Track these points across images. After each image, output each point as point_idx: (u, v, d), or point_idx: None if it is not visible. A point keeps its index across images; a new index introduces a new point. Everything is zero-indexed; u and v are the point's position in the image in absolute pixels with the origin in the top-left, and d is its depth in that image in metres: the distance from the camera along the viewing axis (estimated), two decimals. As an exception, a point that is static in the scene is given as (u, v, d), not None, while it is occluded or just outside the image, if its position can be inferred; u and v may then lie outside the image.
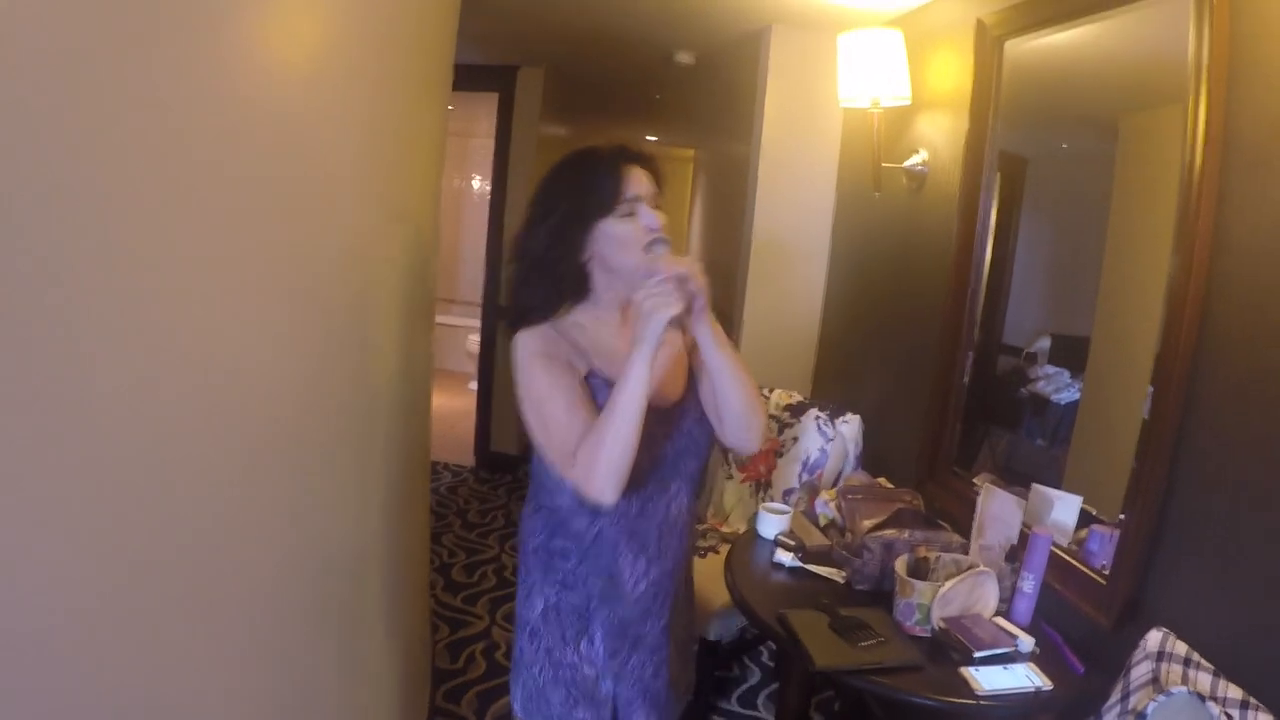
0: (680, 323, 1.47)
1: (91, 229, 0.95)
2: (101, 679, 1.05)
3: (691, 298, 1.44)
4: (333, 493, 1.68)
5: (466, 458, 5.43)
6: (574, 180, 1.57)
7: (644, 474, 1.57)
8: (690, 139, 7.53)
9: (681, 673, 1.83)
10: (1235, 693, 1.35)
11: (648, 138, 8.13)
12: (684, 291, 1.42)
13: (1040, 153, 2.50)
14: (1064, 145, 2.38)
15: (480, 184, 8.04)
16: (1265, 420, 1.48)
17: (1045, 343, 2.43)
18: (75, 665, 1.01)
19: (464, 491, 4.94)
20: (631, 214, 1.53)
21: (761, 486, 3.02)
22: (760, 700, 2.96)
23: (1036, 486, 2.14)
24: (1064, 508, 2.08)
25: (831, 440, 2.86)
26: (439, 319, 7.52)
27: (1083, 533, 2.00)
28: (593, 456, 1.43)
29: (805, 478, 2.85)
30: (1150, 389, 1.74)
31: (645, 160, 1.59)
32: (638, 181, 1.55)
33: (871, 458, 2.90)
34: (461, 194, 8.34)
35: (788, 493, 2.84)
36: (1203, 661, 1.43)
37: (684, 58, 4.19)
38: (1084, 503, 2.05)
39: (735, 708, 2.93)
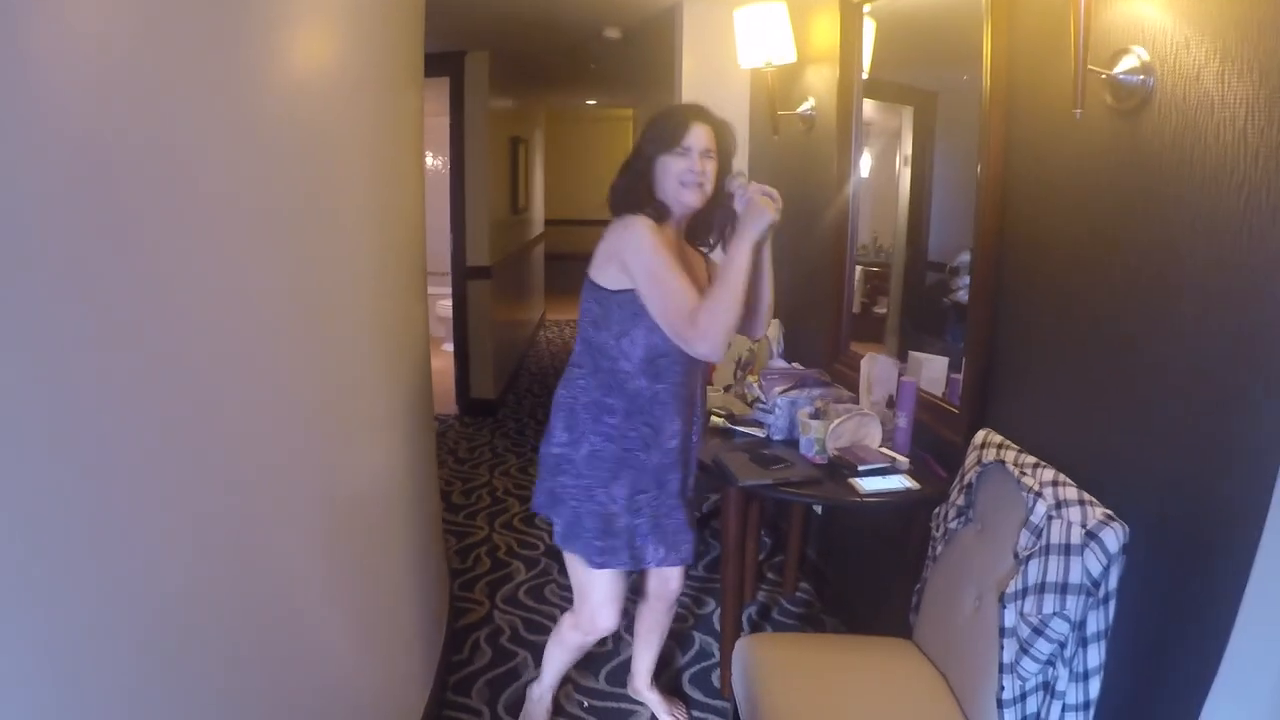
0: (768, 231, 2.02)
1: (165, 221, 1.06)
2: (239, 569, 1.33)
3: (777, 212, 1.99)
4: (370, 435, 2.06)
5: (450, 408, 6.00)
6: (657, 125, 2.11)
7: (679, 351, 2.04)
8: (628, 100, 8.04)
9: (690, 522, 2.24)
10: (1030, 459, 1.95)
11: (587, 102, 8.63)
12: (776, 206, 1.99)
13: (946, 86, 2.79)
14: (964, 77, 2.50)
15: (433, 160, 8.46)
16: (1047, 279, 2.06)
17: (965, 257, 2.61)
18: (225, 560, 1.25)
19: (451, 435, 5.52)
20: (685, 155, 2.05)
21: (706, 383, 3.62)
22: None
23: (913, 353, 2.77)
24: (934, 367, 2.70)
25: (758, 340, 3.47)
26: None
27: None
28: (712, 320, 1.90)
29: (739, 374, 3.47)
30: (967, 256, 2.34)
31: (709, 120, 2.10)
32: (697, 135, 2.05)
33: (791, 351, 3.52)
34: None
35: (727, 387, 3.46)
36: (1008, 443, 2.04)
37: (612, 33, 4.71)
38: (950, 366, 2.66)
39: (701, 573, 3.56)
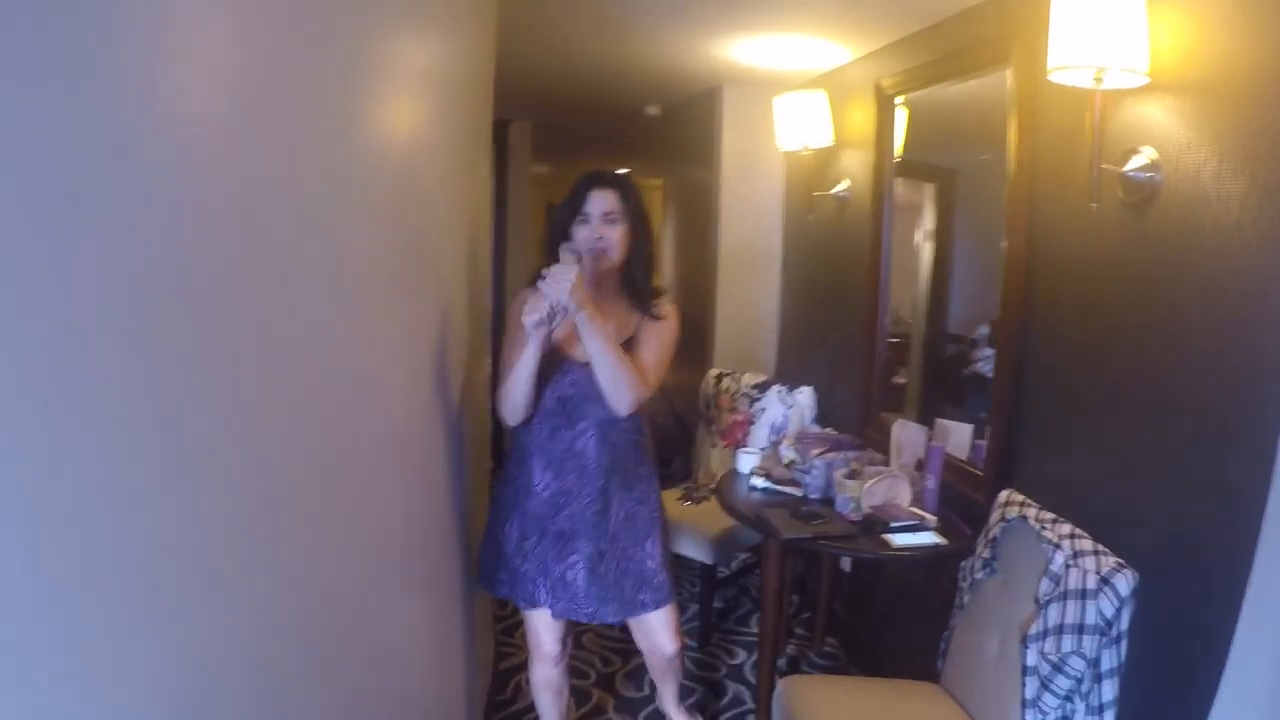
0: (558, 314, 2.00)
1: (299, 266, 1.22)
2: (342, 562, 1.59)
3: (551, 311, 1.98)
4: (443, 470, 2.22)
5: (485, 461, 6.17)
6: (568, 196, 2.20)
7: (551, 408, 2.19)
8: (658, 170, 8.32)
9: (619, 586, 2.24)
10: (1049, 515, 2.12)
11: (620, 170, 8.93)
12: (561, 288, 1.95)
13: (966, 164, 2.98)
14: (984, 157, 2.69)
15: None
16: (1065, 352, 2.26)
17: (984, 329, 2.80)
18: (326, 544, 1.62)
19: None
20: (585, 222, 2.16)
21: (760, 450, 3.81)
22: (754, 621, 3.74)
23: (939, 420, 2.95)
24: (959, 433, 2.89)
25: (791, 407, 3.67)
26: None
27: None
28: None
29: (773, 438, 3.65)
30: (987, 329, 2.53)
31: (609, 183, 2.17)
32: (595, 201, 2.15)
33: (824, 417, 3.71)
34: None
35: (763, 449, 3.64)
36: (1029, 501, 2.20)
37: (652, 110, 5.00)
38: (974, 432, 2.84)
39: (734, 627, 3.71)
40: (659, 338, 2.25)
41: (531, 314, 1.99)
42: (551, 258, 2.10)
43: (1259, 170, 1.65)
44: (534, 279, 2.10)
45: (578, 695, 2.87)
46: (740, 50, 3.55)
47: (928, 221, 3.26)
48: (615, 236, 2.17)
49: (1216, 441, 1.74)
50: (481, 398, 2.82)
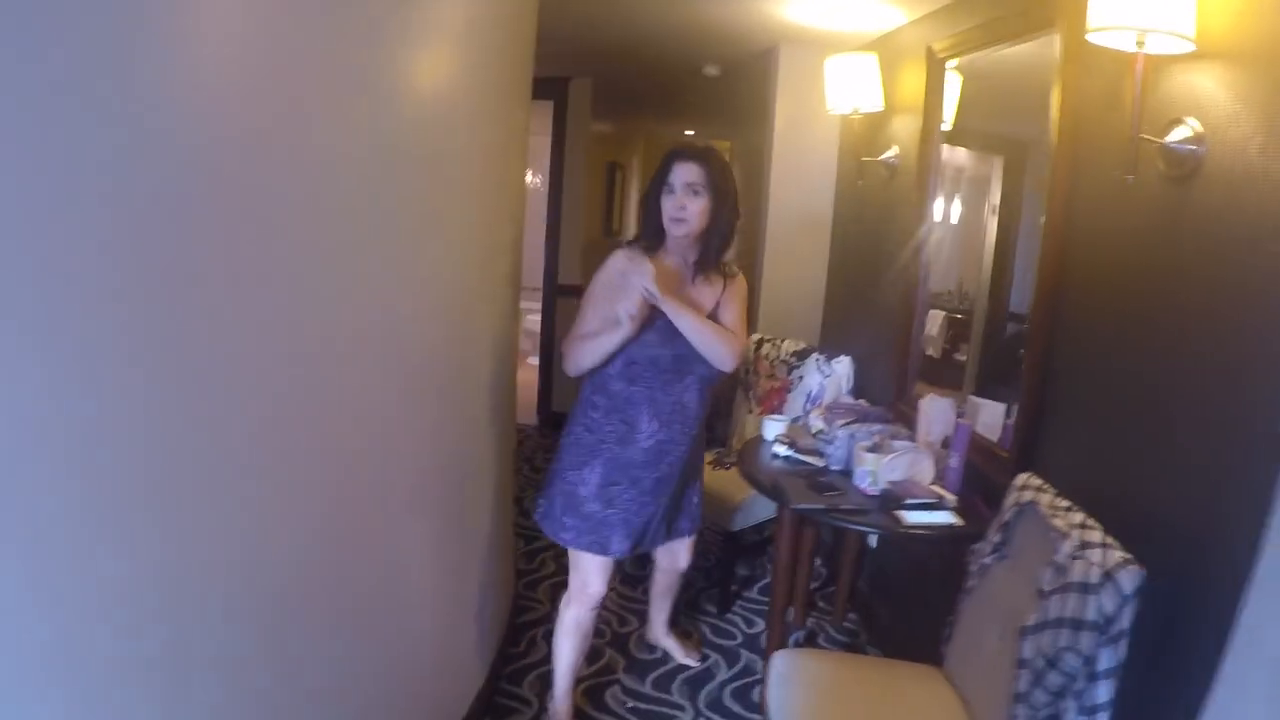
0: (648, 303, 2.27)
1: (304, 217, 1.34)
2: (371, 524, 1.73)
3: (643, 299, 2.25)
4: (466, 420, 2.39)
5: (530, 418, 6.23)
6: (658, 167, 2.41)
7: (666, 364, 2.38)
8: (726, 132, 8.21)
9: (678, 520, 2.61)
10: (1064, 502, 2.04)
11: (686, 132, 8.84)
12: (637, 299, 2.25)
13: (1034, 139, 2.71)
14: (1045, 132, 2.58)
15: (532, 178, 8.72)
16: (1098, 331, 2.15)
17: None
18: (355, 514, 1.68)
19: (529, 444, 5.74)
20: (670, 192, 2.35)
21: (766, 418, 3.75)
22: (776, 587, 3.70)
23: (972, 397, 2.86)
24: (991, 412, 2.79)
25: (829, 376, 3.59)
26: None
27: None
28: (570, 348, 2.40)
29: (809, 407, 3.58)
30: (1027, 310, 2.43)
31: (694, 157, 2.35)
32: (679, 173, 2.34)
33: (861, 389, 3.62)
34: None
35: (795, 419, 3.57)
36: (1045, 486, 2.11)
37: (711, 70, 4.90)
38: (1005, 412, 2.73)
39: (756, 596, 3.67)
40: (738, 296, 2.51)
41: (628, 306, 2.24)
42: (650, 223, 2.40)
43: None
44: (632, 243, 2.44)
45: (589, 652, 2.87)
46: (795, 8, 3.45)
47: (995, 196, 3.15)
48: (696, 208, 2.34)
49: (1240, 438, 1.63)
50: (508, 351, 2.83)
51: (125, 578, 0.99)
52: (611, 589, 3.57)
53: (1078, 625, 1.69)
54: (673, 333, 2.34)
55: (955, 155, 3.19)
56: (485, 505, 2.60)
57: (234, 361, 1.16)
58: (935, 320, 3.31)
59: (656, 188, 2.38)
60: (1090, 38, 1.86)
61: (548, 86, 5.73)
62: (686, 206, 2.33)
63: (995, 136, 3.19)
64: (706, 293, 2.46)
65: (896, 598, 3.24)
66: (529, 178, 8.94)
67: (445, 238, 2.04)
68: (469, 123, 2.14)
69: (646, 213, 2.43)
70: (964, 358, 3.33)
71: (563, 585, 3.60)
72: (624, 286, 2.32)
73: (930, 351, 3.32)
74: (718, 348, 2.36)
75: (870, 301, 3.71)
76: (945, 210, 3.24)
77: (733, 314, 2.48)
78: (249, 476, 1.22)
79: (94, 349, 0.93)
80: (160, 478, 1.04)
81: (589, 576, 2.50)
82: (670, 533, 2.61)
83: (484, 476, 2.56)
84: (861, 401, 3.33)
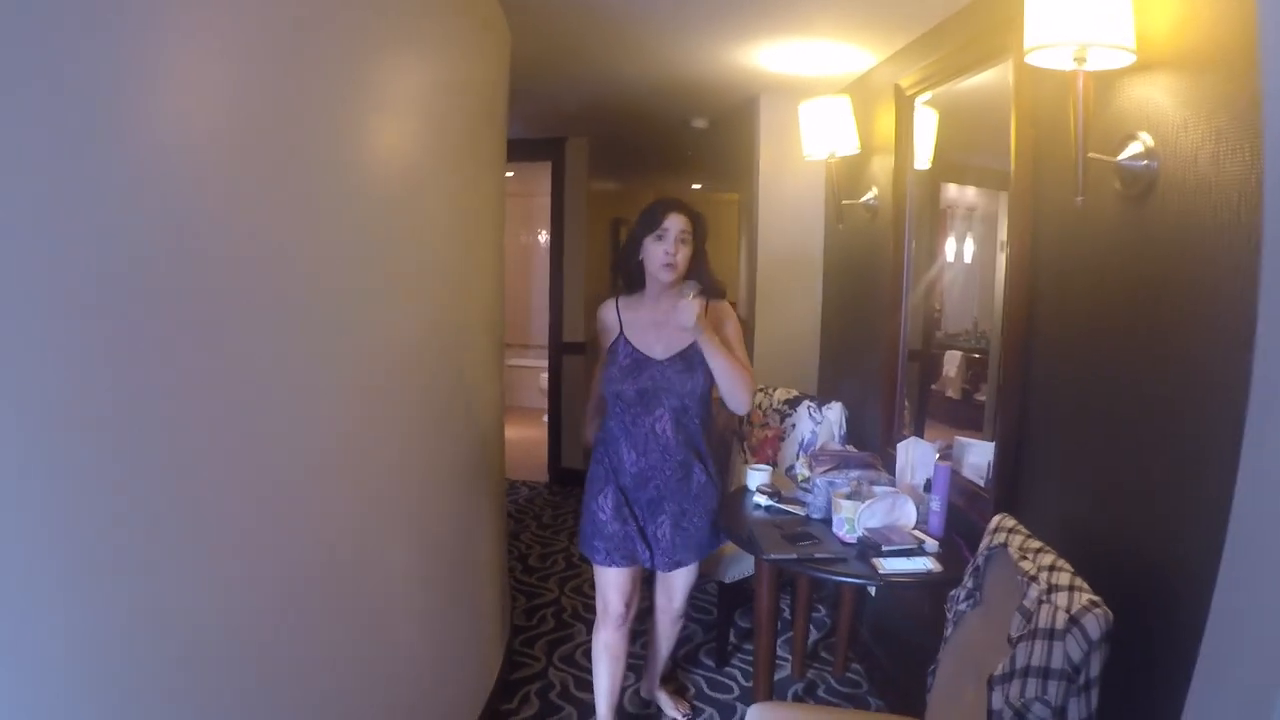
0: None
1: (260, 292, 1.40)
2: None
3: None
4: (451, 483, 2.46)
5: (541, 475, 6.17)
6: (645, 213, 2.58)
7: (631, 398, 2.58)
8: (728, 184, 8.21)
9: (685, 544, 2.66)
10: (1035, 544, 1.93)
11: (693, 186, 8.86)
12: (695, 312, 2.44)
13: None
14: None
15: (545, 237, 8.81)
16: (1071, 363, 2.06)
17: None
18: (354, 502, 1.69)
19: (539, 501, 5.68)
20: (662, 238, 2.51)
21: (771, 467, 3.65)
22: (779, 643, 3.57)
23: (956, 437, 2.75)
24: (978, 452, 2.69)
25: (820, 424, 3.49)
26: (516, 361, 8.22)
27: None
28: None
29: (802, 455, 3.48)
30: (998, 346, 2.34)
31: (685, 211, 2.56)
32: (672, 221, 2.52)
33: (854, 436, 3.52)
34: (530, 248, 9.02)
35: (789, 469, 3.47)
36: (1018, 527, 2.01)
37: (699, 122, 4.91)
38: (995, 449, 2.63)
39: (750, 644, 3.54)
40: (733, 329, 2.66)
41: (684, 321, 2.46)
42: (627, 266, 2.62)
43: (1260, 147, 1.44)
44: (619, 277, 2.69)
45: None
46: (772, 58, 3.46)
47: (1002, 231, 3.08)
48: (683, 256, 2.55)
49: (1210, 466, 1.53)
50: (495, 412, 2.90)
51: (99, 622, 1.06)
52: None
53: (1044, 674, 1.58)
54: (635, 369, 2.57)
55: (965, 194, 3.14)
56: (473, 559, 2.68)
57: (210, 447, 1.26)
58: (954, 361, 3.23)
59: (644, 233, 2.55)
60: (1028, 59, 1.81)
61: (544, 147, 5.77)
62: (678, 253, 2.51)
63: (988, 171, 3.13)
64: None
65: (899, 647, 3.11)
66: (541, 237, 9.05)
67: (405, 300, 2.09)
68: (435, 186, 2.22)
69: (628, 257, 2.61)
70: (984, 398, 3.22)
71: (561, 640, 3.58)
72: (653, 312, 2.62)
73: (950, 393, 3.23)
74: (738, 384, 2.53)
75: (860, 345, 3.63)
76: (958, 249, 3.19)
77: (735, 345, 2.63)
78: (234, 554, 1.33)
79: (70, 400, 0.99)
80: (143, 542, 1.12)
81: (608, 595, 2.66)
82: (674, 556, 2.66)
83: (471, 531, 2.66)
84: (849, 447, 3.22)
